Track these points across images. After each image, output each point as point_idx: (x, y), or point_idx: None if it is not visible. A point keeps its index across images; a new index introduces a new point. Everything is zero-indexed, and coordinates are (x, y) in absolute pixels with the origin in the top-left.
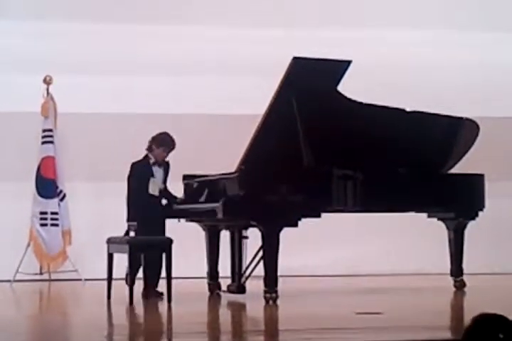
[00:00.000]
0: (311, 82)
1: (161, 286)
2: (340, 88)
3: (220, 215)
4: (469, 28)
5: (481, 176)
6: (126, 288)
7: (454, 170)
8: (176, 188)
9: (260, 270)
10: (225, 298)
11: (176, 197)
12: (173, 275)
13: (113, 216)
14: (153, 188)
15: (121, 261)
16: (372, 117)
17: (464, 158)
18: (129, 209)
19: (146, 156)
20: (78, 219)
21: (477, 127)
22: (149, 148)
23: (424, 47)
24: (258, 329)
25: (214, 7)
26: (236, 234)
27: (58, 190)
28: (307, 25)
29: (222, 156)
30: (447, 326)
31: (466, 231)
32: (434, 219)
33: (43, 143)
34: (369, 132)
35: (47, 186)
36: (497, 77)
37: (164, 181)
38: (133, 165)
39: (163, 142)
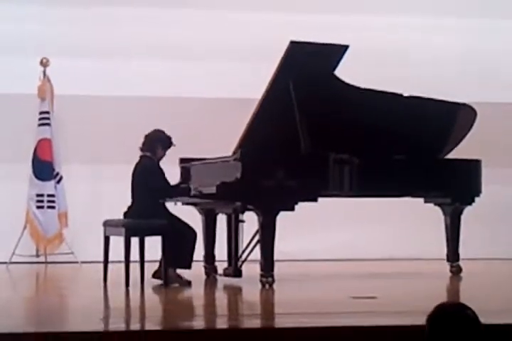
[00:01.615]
0: (308, 67)
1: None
2: (338, 73)
3: (216, 199)
4: (467, 14)
5: (477, 162)
6: (123, 271)
7: (451, 156)
8: (173, 172)
9: (257, 254)
10: (222, 281)
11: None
12: None
13: (110, 198)
14: None
15: (118, 244)
16: (370, 102)
17: (461, 144)
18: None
19: (149, 157)
20: (75, 201)
21: (474, 112)
22: (151, 149)
23: (422, 33)
24: (254, 313)
25: None
26: (233, 218)
27: (55, 173)
28: (306, 9)
29: (219, 140)
30: None
31: (463, 217)
32: (431, 205)
33: (40, 125)
34: (366, 117)
35: (43, 168)
36: (494, 63)
37: None
38: (155, 164)
39: (167, 143)
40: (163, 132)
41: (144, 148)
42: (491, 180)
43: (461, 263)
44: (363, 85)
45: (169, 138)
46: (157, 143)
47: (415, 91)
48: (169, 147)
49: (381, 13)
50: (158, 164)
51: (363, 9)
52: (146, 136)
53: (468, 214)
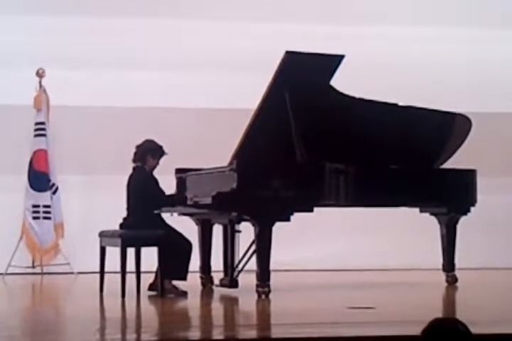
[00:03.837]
0: (303, 77)
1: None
2: (334, 83)
3: (212, 209)
4: (465, 25)
5: (473, 171)
6: (119, 281)
7: (446, 165)
8: (168, 182)
9: (253, 264)
10: (218, 292)
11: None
12: None
13: (105, 209)
14: None
15: (114, 255)
16: (365, 112)
17: (457, 153)
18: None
19: (142, 168)
20: (71, 212)
21: (470, 122)
22: (143, 160)
23: (420, 43)
24: (250, 324)
25: (210, 2)
26: (229, 228)
27: (51, 183)
28: (303, 20)
29: (215, 150)
30: None
31: (458, 227)
32: (427, 214)
33: (36, 136)
34: (361, 126)
35: (39, 179)
36: (492, 73)
37: None
38: (149, 175)
39: (159, 152)
40: (153, 141)
41: (135, 158)
42: (486, 190)
43: (456, 272)
44: (359, 95)
45: (160, 147)
46: (147, 152)
47: (412, 101)
48: (161, 156)
49: (379, 23)
50: (152, 173)
51: (360, 19)
52: (137, 147)
53: (463, 223)
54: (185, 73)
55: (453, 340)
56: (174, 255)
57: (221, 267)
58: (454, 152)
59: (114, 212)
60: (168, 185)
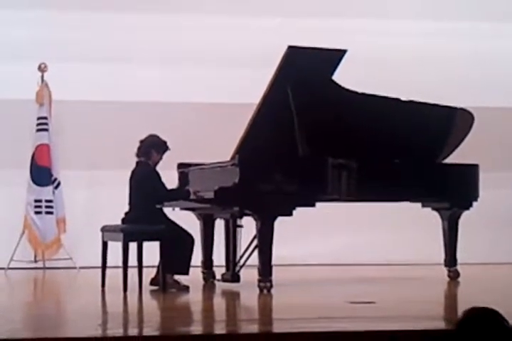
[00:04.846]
0: (306, 71)
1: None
2: (336, 77)
3: (214, 204)
4: (466, 19)
5: (475, 166)
6: (121, 276)
7: (448, 160)
8: (170, 177)
9: (255, 259)
10: (220, 286)
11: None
12: None
13: (108, 204)
14: None
15: (116, 249)
16: (367, 106)
17: (459, 148)
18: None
19: (146, 163)
20: (73, 207)
21: (472, 117)
22: (147, 155)
23: (422, 37)
24: (252, 318)
25: None
26: (231, 223)
27: (53, 178)
28: (305, 14)
29: (217, 145)
30: (441, 316)
31: (461, 221)
32: (429, 209)
33: (38, 130)
34: (364, 121)
35: (41, 174)
36: (493, 68)
37: None
38: (152, 170)
39: (163, 148)
40: (157, 137)
41: (139, 153)
42: (488, 185)
43: (458, 267)
44: (361, 90)
45: (164, 143)
46: (151, 148)
47: (414, 96)
48: (165, 151)
49: (381, 17)
50: (155, 169)
51: (362, 13)
52: (141, 142)
53: (465, 218)
54: (188, 68)
55: (492, 334)
56: (176, 250)
57: (223, 262)
58: (456, 146)
59: (117, 206)
60: (170, 179)
